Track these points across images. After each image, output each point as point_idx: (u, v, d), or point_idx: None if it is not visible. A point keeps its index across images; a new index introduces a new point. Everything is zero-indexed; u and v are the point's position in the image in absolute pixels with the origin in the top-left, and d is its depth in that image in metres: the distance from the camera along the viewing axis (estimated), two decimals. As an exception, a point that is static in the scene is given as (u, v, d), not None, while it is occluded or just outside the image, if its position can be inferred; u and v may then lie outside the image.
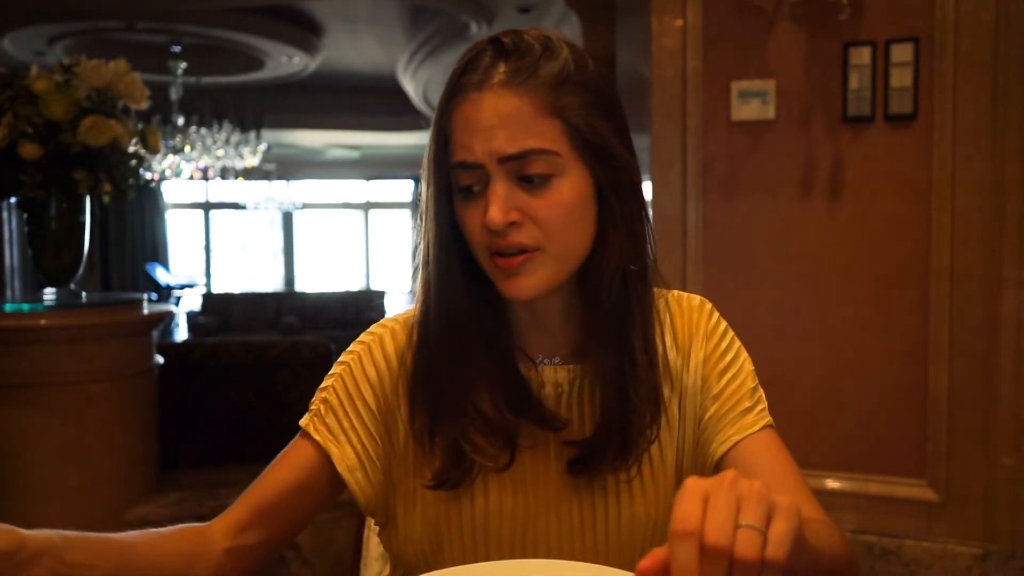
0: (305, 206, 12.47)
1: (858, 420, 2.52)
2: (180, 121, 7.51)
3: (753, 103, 2.52)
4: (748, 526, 0.51)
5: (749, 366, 0.90)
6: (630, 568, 0.66)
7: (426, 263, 0.85)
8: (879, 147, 2.43)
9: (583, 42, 4.56)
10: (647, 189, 2.89)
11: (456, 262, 0.83)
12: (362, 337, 0.92)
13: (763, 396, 0.89)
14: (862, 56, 2.41)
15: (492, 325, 0.86)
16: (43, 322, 2.41)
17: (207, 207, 12.20)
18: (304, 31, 7.16)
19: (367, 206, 12.89)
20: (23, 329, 2.38)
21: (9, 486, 2.34)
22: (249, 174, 8.85)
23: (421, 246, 0.85)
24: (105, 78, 2.37)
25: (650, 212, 2.78)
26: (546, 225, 0.78)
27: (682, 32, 2.59)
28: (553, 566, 0.72)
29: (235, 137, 7.91)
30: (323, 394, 0.90)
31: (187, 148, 7.63)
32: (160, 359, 2.82)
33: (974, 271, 2.35)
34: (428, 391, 0.84)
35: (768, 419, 0.87)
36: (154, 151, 2.58)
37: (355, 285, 12.30)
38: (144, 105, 2.49)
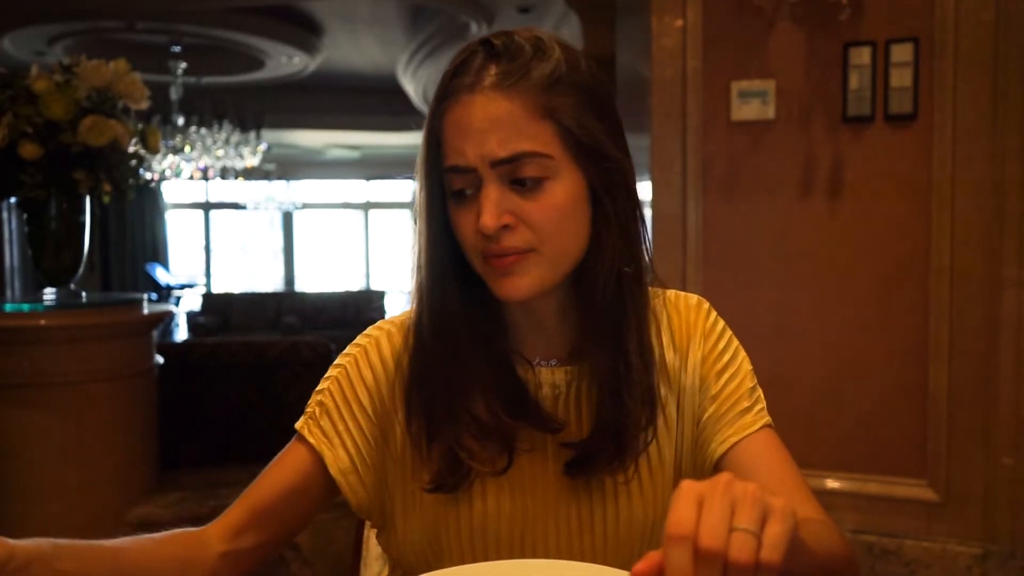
0: (305, 206, 12.48)
1: (858, 420, 2.52)
2: (180, 121, 7.51)
3: (753, 103, 2.52)
4: (742, 529, 0.51)
5: (747, 365, 0.90)
6: (628, 569, 0.66)
7: (419, 266, 0.84)
8: (879, 147, 2.43)
9: (583, 42, 4.56)
10: (647, 189, 2.88)
11: (449, 265, 0.83)
12: (358, 340, 0.92)
13: (762, 396, 0.89)
14: (862, 56, 2.41)
15: (488, 328, 0.85)
16: (43, 322, 2.41)
17: (207, 207, 12.20)
18: (304, 31, 7.16)
19: (367, 206, 12.89)
20: (23, 329, 2.38)
21: (9, 486, 2.34)
22: (249, 174, 8.86)
23: (415, 249, 0.85)
24: (105, 78, 2.37)
25: (649, 212, 2.76)
26: (540, 228, 0.78)
27: (682, 32, 2.59)
28: (552, 566, 0.72)
29: (235, 137, 7.91)
30: (319, 397, 0.90)
31: (187, 148, 7.64)
32: (160, 359, 2.82)
33: (974, 271, 2.35)
34: (423, 395, 0.84)
35: (767, 419, 0.87)
36: (154, 151, 2.58)
37: (355, 285, 12.30)
38: (144, 105, 2.49)
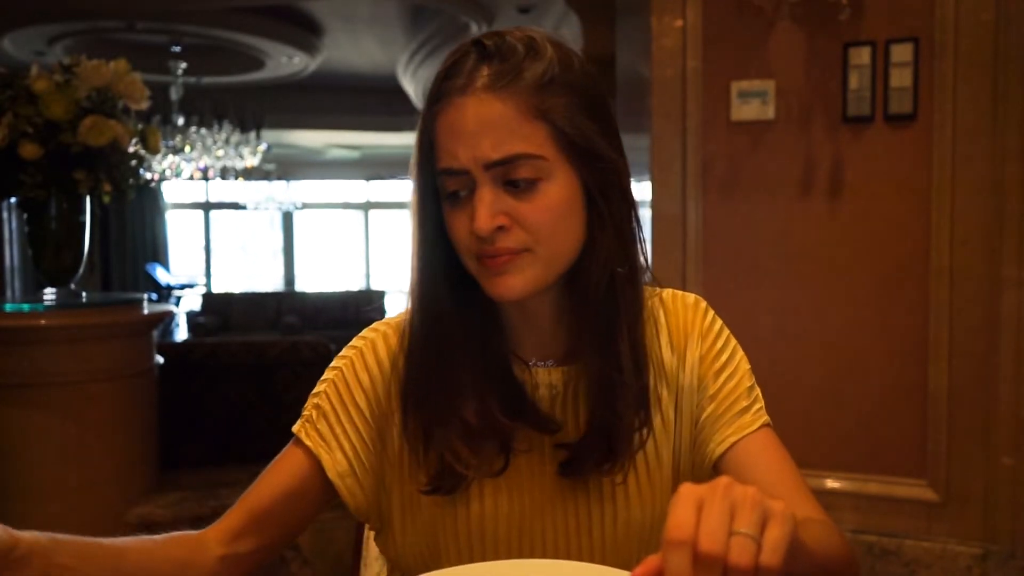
0: (305, 206, 12.47)
1: (858, 420, 2.52)
2: (180, 121, 7.51)
3: (753, 103, 2.52)
4: (742, 533, 0.51)
5: (745, 365, 0.89)
6: (628, 569, 0.66)
7: (413, 268, 0.84)
8: (879, 147, 2.43)
9: (583, 42, 4.56)
10: (647, 189, 2.88)
11: (442, 267, 0.83)
12: (354, 342, 0.92)
13: (760, 395, 0.88)
14: (862, 56, 2.41)
15: (483, 329, 0.85)
16: (43, 322, 2.41)
17: (207, 207, 12.20)
18: (304, 31, 7.16)
19: (367, 206, 12.89)
20: (23, 329, 2.38)
21: (9, 486, 2.34)
22: (249, 174, 8.86)
23: (410, 250, 0.85)
24: (105, 78, 2.37)
25: (649, 212, 2.76)
26: (534, 229, 0.78)
27: (682, 32, 2.59)
28: (552, 566, 0.72)
29: (235, 137, 7.91)
30: (315, 400, 0.90)
31: (187, 148, 7.64)
32: (160, 359, 2.83)
33: (974, 271, 2.35)
34: (418, 398, 0.84)
35: (765, 418, 0.86)
36: (154, 151, 2.58)
37: (355, 285, 12.30)
38: (144, 105, 2.49)
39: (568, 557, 0.85)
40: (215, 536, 0.84)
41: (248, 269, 12.56)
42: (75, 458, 2.40)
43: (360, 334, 0.92)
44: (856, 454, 2.52)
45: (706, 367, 0.88)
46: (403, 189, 12.67)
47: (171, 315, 7.21)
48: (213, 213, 12.31)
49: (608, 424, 0.82)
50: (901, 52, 2.38)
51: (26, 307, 2.48)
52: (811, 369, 2.55)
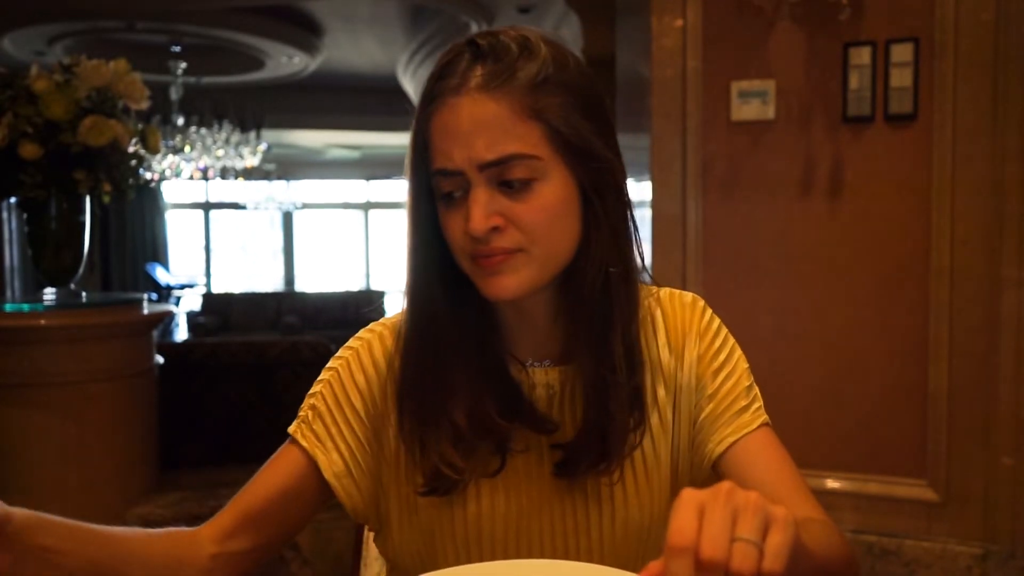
0: (305, 206, 12.47)
1: (858, 420, 2.52)
2: (180, 121, 7.51)
3: (753, 103, 2.52)
4: (744, 539, 0.50)
5: (744, 364, 0.89)
6: (627, 569, 0.66)
7: (408, 269, 0.84)
8: (879, 147, 2.43)
9: (583, 42, 4.56)
10: (647, 189, 2.87)
11: (437, 267, 0.83)
12: (350, 342, 0.92)
13: (759, 394, 0.88)
14: (862, 56, 2.41)
15: (479, 329, 0.85)
16: (43, 322, 2.41)
17: (207, 207, 12.20)
18: (304, 31, 7.16)
19: (367, 206, 12.89)
20: (23, 329, 2.38)
21: (9, 486, 2.34)
22: (249, 174, 8.86)
23: (405, 251, 0.85)
24: (105, 78, 2.37)
25: (649, 212, 2.75)
26: (529, 230, 0.77)
27: (682, 32, 2.59)
28: (551, 566, 0.72)
29: (235, 137, 7.91)
30: (311, 400, 0.89)
31: (187, 148, 7.64)
32: (160, 359, 2.83)
33: (974, 271, 2.35)
34: (413, 399, 0.84)
35: (764, 417, 0.86)
36: (154, 151, 2.58)
37: (355, 285, 12.30)
38: (144, 105, 2.49)
39: (566, 557, 0.84)
40: (208, 534, 0.84)
41: (248, 269, 12.56)
42: (75, 458, 2.40)
43: (357, 334, 0.92)
44: (856, 454, 2.52)
45: (704, 366, 0.87)
46: (403, 189, 12.66)
47: (171, 315, 7.22)
48: (213, 213, 12.31)
49: (602, 424, 0.82)
50: (901, 52, 2.38)
51: (26, 307, 2.48)
52: (811, 369, 2.55)
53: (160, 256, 11.22)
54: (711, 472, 0.86)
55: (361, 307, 8.17)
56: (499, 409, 0.82)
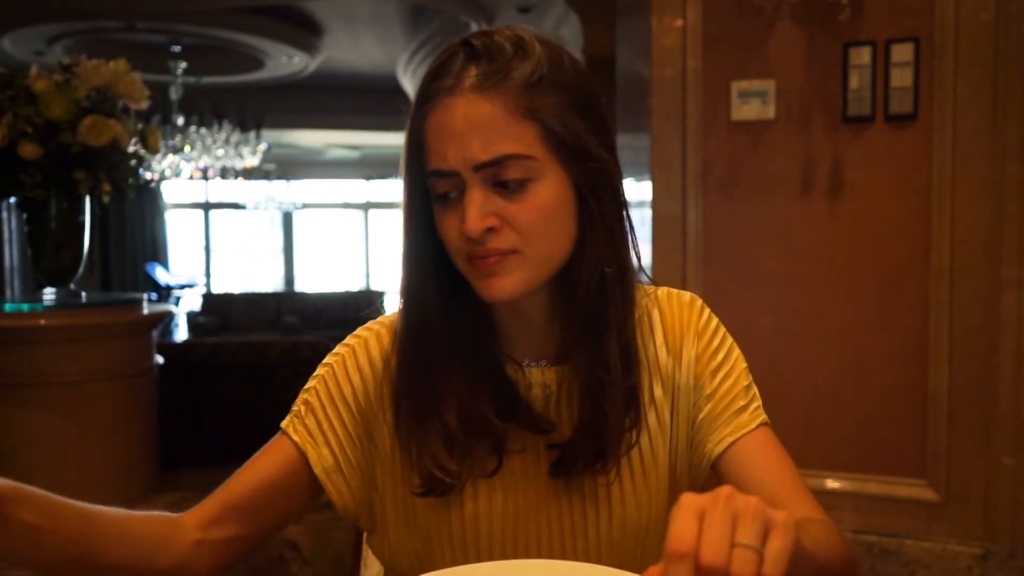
0: (305, 206, 12.48)
1: (858, 420, 2.52)
2: (180, 121, 7.51)
3: (753, 103, 2.52)
4: (744, 545, 0.50)
5: (742, 363, 0.89)
6: (625, 569, 0.66)
7: (404, 268, 0.84)
8: (879, 147, 2.43)
9: (583, 42, 4.56)
10: (647, 189, 2.87)
11: (432, 268, 0.83)
12: (347, 340, 0.92)
13: (757, 393, 0.88)
14: (862, 56, 2.41)
15: (475, 329, 0.85)
16: (43, 322, 2.41)
17: (207, 207, 12.21)
18: (304, 31, 7.16)
19: (367, 206, 12.89)
20: (23, 329, 2.38)
21: (9, 486, 2.33)
22: (249, 174, 8.86)
23: (400, 251, 0.84)
24: (105, 78, 2.37)
25: (649, 212, 2.75)
26: (524, 230, 0.77)
27: (682, 32, 2.59)
28: (551, 566, 0.72)
29: (235, 137, 7.92)
30: (305, 395, 0.90)
31: (187, 148, 7.64)
32: (160, 359, 2.83)
33: (974, 271, 2.35)
34: (408, 401, 0.84)
35: (763, 417, 0.86)
36: (154, 151, 2.58)
37: (355, 285, 12.30)
38: (144, 105, 2.49)
39: (563, 557, 0.84)
40: (192, 520, 0.83)
41: (248, 269, 12.56)
42: (75, 458, 2.40)
43: (354, 332, 0.92)
44: (856, 454, 2.52)
45: (702, 366, 0.87)
46: (398, 189, 12.65)
47: (171, 315, 7.22)
48: (213, 213, 12.31)
49: (597, 424, 0.82)
50: (901, 52, 2.37)
51: (26, 307, 2.48)
52: (811, 369, 2.55)
53: (160, 256, 11.23)
54: (710, 472, 0.86)
55: (361, 307, 8.12)
56: (495, 409, 0.82)
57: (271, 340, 3.50)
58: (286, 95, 8.92)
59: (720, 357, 0.88)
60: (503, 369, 0.86)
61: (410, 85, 8.27)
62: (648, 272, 0.90)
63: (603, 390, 0.81)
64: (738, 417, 0.85)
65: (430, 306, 0.83)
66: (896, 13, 2.39)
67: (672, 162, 2.63)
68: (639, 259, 0.85)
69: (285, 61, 7.82)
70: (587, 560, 0.84)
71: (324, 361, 0.91)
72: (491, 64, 0.76)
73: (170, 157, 7.66)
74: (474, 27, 6.34)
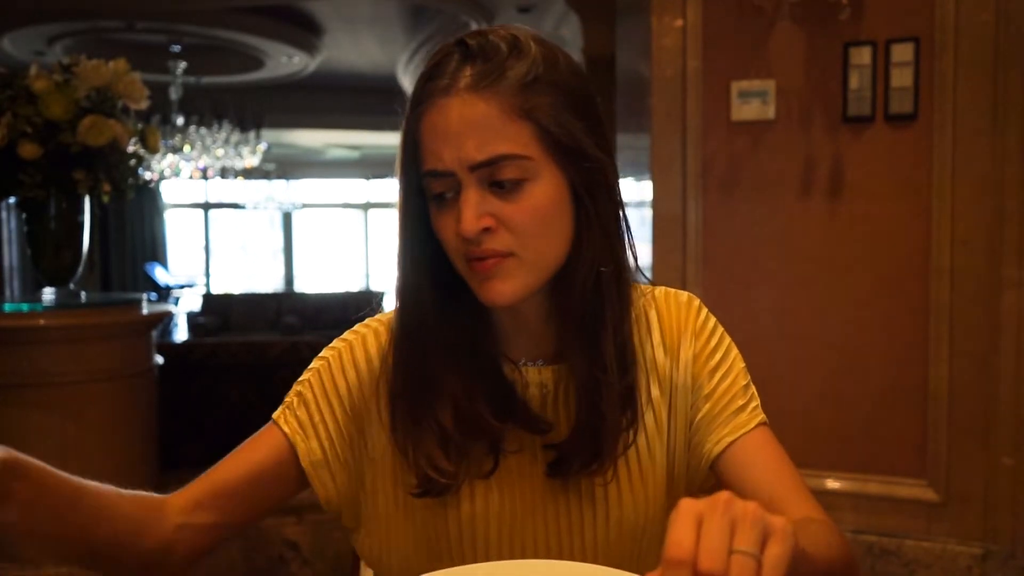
0: (305, 206, 12.48)
1: (858, 420, 2.52)
2: (180, 121, 7.51)
3: (753, 103, 2.52)
4: (742, 552, 0.50)
5: (740, 363, 0.88)
6: (622, 569, 0.66)
7: (400, 268, 0.84)
8: (879, 147, 2.43)
9: (583, 42, 4.56)
10: (647, 189, 2.87)
11: (429, 268, 0.82)
12: (345, 335, 0.92)
13: (755, 393, 0.87)
14: (862, 56, 2.41)
15: (472, 329, 0.84)
16: (42, 322, 2.41)
17: (207, 207, 12.20)
18: (304, 31, 7.16)
19: (367, 206, 12.89)
20: (23, 329, 2.38)
21: (9, 486, 2.33)
22: (249, 174, 8.86)
23: (397, 251, 0.84)
24: (105, 78, 2.37)
25: (649, 212, 2.75)
26: (520, 231, 0.77)
27: (682, 32, 2.59)
28: (552, 566, 0.71)
29: (235, 137, 7.92)
30: (299, 387, 0.90)
31: (187, 148, 7.64)
32: (160, 359, 2.82)
33: (974, 271, 2.35)
34: (404, 401, 0.84)
35: (762, 416, 0.86)
36: (154, 151, 2.58)
37: (355, 285, 12.30)
38: (144, 105, 2.49)
39: (560, 557, 0.84)
40: (176, 503, 0.83)
41: (248, 269, 12.56)
42: (75, 458, 2.39)
43: (353, 328, 0.92)
44: (856, 454, 2.52)
45: (700, 366, 0.87)
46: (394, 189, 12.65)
47: (170, 315, 7.22)
48: (213, 213, 12.31)
49: (594, 424, 0.81)
50: (901, 52, 2.37)
51: (25, 307, 2.48)
52: (811, 369, 2.55)
53: (160, 256, 11.22)
54: (709, 472, 0.86)
55: (361, 307, 8.12)
56: (492, 409, 0.82)
57: (271, 340, 3.50)
58: (286, 95, 8.92)
59: (718, 357, 0.87)
60: (500, 369, 0.85)
61: (410, 85, 8.26)
62: (647, 272, 0.90)
63: (600, 390, 0.81)
64: (737, 417, 0.85)
65: (426, 306, 0.83)
66: (896, 13, 2.39)
67: (672, 162, 2.63)
68: (636, 259, 0.85)
69: (285, 61, 7.81)
70: (583, 559, 0.84)
71: (320, 355, 0.91)
72: (486, 64, 0.76)
73: (170, 157, 7.66)
74: (474, 27, 6.34)
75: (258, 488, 0.86)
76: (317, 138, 11.01)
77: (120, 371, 2.52)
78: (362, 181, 12.69)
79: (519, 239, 0.77)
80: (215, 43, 7.11)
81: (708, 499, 0.53)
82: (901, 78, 2.38)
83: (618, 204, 0.83)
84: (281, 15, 6.68)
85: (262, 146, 8.28)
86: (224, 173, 8.43)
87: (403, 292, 0.84)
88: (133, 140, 2.48)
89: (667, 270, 2.63)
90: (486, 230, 0.76)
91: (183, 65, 7.25)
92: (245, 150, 8.05)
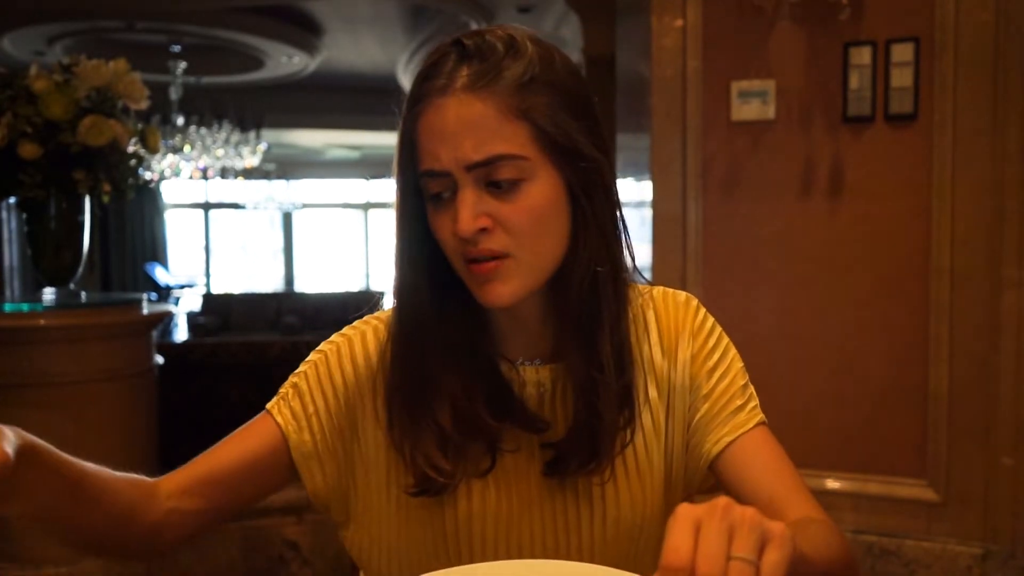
0: (305, 206, 12.47)
1: (858, 420, 2.52)
2: (180, 121, 7.51)
3: (753, 103, 2.52)
4: (740, 558, 0.50)
5: (738, 363, 0.88)
6: (619, 568, 0.66)
7: (397, 268, 0.84)
8: (879, 147, 2.43)
9: (583, 42, 4.56)
10: (647, 189, 2.87)
11: (426, 267, 0.83)
12: (344, 330, 0.92)
13: (754, 393, 0.87)
14: (862, 56, 2.41)
15: (469, 329, 0.85)
16: (42, 322, 2.41)
17: (207, 207, 12.20)
18: (304, 31, 7.16)
19: (367, 206, 12.89)
20: (23, 329, 2.38)
21: (9, 486, 2.33)
22: (249, 174, 8.86)
23: (394, 251, 0.84)
24: (105, 78, 2.37)
25: (649, 212, 2.75)
26: (517, 231, 0.77)
27: (682, 32, 2.59)
28: (551, 566, 0.71)
29: (235, 137, 7.92)
30: (294, 379, 0.90)
31: (187, 148, 7.64)
32: (160, 359, 2.82)
33: (974, 271, 2.35)
34: (403, 401, 0.84)
35: (760, 416, 0.86)
36: (154, 151, 2.58)
37: (355, 285, 12.29)
38: (144, 105, 2.49)
39: (557, 556, 0.84)
40: (167, 488, 0.83)
41: (248, 269, 12.56)
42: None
43: (352, 323, 0.92)
44: (856, 454, 2.52)
45: (698, 366, 0.87)
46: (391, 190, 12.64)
47: (170, 315, 7.21)
48: (213, 213, 12.31)
49: (591, 423, 0.82)
50: (901, 52, 2.37)
51: (25, 307, 2.48)
52: (811, 369, 2.55)
53: (160, 256, 11.22)
54: (708, 472, 0.86)
55: (361, 307, 8.13)
56: (490, 408, 0.82)
57: (271, 340, 3.50)
58: (286, 95, 8.92)
59: (716, 357, 0.87)
60: (497, 368, 0.85)
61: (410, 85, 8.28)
62: (647, 272, 0.90)
63: (597, 389, 0.81)
64: (735, 416, 0.85)
65: (424, 306, 0.83)
66: (896, 13, 2.39)
67: (672, 162, 2.63)
68: (633, 259, 0.85)
69: (285, 61, 7.81)
70: (580, 559, 0.84)
71: (318, 348, 0.91)
72: (483, 64, 0.76)
73: (170, 157, 7.66)
74: (473, 27, 6.34)
75: (249, 477, 0.86)
76: (317, 138, 11.01)
77: (120, 371, 2.52)
78: (362, 181, 12.68)
79: (516, 239, 0.77)
80: (215, 43, 7.11)
81: (706, 505, 0.53)
82: (901, 78, 2.38)
83: (615, 204, 0.83)
84: (281, 15, 6.68)
85: (262, 146, 8.28)
86: (224, 173, 8.43)
87: (401, 292, 0.84)
88: (133, 140, 2.48)
89: (667, 270, 2.63)
90: (483, 230, 0.76)
91: (183, 65, 7.25)
92: (245, 150, 8.05)
